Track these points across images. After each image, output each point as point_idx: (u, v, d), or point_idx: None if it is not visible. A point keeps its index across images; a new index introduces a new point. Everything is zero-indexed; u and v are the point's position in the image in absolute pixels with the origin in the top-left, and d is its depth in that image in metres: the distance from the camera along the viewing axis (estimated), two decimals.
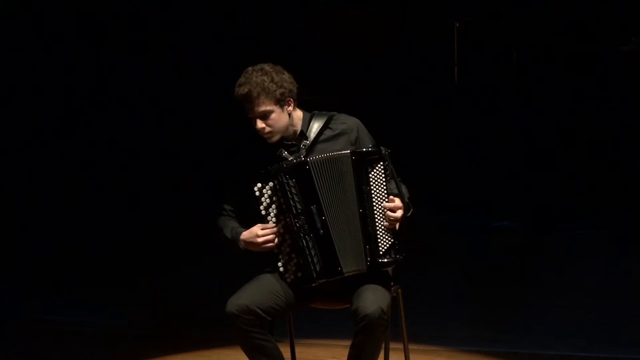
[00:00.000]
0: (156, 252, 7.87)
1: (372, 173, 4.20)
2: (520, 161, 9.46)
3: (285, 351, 4.67)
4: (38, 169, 9.36)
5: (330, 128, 4.35)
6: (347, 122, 4.37)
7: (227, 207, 4.41)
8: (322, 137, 4.33)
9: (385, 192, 4.20)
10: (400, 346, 4.44)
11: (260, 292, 4.21)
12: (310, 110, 4.40)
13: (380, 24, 10.21)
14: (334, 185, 4.21)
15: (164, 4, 9.82)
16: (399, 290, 4.34)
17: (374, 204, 4.19)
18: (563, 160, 9.40)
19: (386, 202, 4.19)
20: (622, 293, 6.77)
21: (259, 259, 4.38)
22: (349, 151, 4.21)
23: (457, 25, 9.84)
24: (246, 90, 4.22)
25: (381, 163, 4.19)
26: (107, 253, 7.84)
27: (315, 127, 4.34)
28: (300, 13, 10.10)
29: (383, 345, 4.17)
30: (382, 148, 4.21)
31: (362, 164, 4.19)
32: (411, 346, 4.54)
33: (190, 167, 9.55)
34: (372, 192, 4.20)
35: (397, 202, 4.20)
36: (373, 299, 4.07)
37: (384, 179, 4.20)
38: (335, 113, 4.40)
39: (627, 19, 9.39)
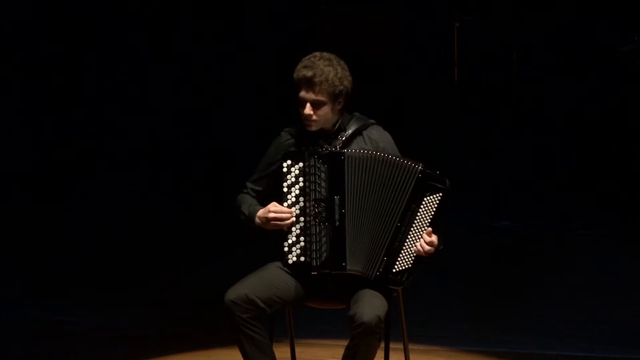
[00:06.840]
0: (156, 252, 7.86)
1: (428, 198, 4.18)
2: (521, 161, 9.47)
3: (285, 351, 4.68)
4: (38, 169, 9.36)
5: (362, 134, 4.34)
6: (380, 133, 4.37)
7: (250, 185, 4.41)
8: (355, 140, 4.32)
9: (429, 220, 4.19)
10: (400, 346, 4.44)
11: (261, 282, 4.21)
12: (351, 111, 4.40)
13: (381, 24, 10.21)
14: (372, 185, 4.20)
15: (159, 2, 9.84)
16: (399, 290, 4.34)
17: (414, 225, 4.18)
18: (563, 160, 9.40)
19: (426, 229, 4.17)
20: (622, 293, 6.76)
21: (260, 259, 4.38)
22: (419, 167, 4.18)
23: (457, 25, 9.84)
24: (310, 74, 4.23)
25: (440, 194, 4.17)
26: (107, 253, 7.83)
27: (352, 128, 4.33)
28: (300, 13, 10.11)
29: (377, 349, 4.16)
30: (447, 180, 4.19)
31: (424, 185, 4.17)
32: (411, 346, 4.54)
33: (190, 166, 9.56)
34: (418, 214, 4.18)
35: (435, 239, 4.18)
36: (371, 307, 4.06)
37: (434, 209, 4.18)
38: (373, 122, 4.39)
39: (627, 18, 9.40)
